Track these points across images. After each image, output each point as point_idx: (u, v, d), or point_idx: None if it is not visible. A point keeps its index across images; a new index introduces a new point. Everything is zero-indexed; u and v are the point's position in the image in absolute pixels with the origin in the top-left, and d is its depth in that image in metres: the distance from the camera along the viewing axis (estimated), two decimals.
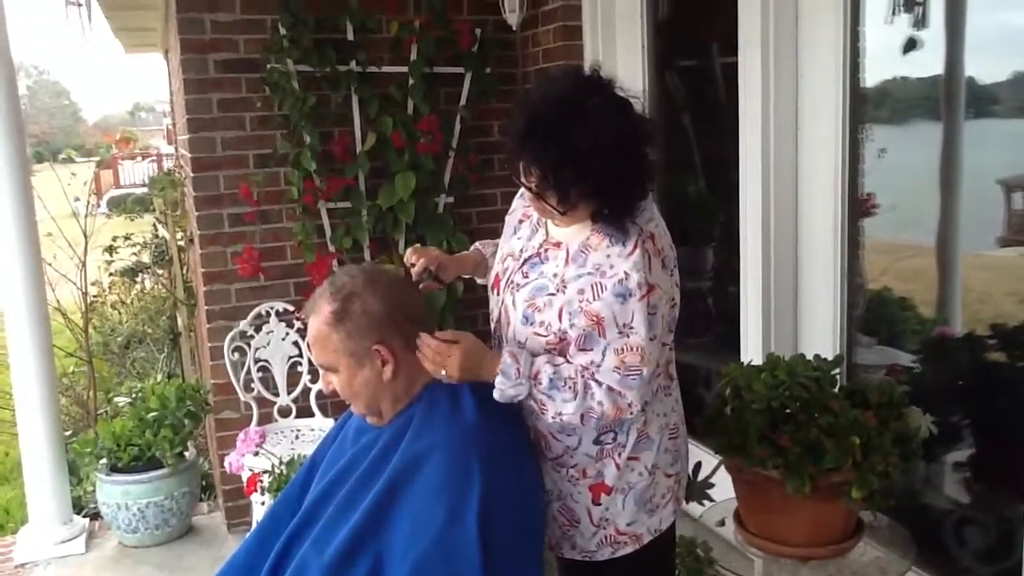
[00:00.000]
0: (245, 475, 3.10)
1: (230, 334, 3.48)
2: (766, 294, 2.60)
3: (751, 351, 2.63)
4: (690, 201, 3.49)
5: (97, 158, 21.15)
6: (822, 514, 1.79)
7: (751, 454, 1.79)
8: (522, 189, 1.93)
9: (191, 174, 3.50)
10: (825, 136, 2.43)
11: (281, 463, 2.92)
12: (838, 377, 1.89)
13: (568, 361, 1.64)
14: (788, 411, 1.82)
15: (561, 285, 1.65)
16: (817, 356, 1.91)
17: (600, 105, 1.56)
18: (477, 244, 2.08)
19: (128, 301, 6.72)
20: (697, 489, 2.00)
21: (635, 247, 1.59)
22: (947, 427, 2.00)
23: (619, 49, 3.36)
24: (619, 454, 1.73)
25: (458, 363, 1.63)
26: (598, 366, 1.60)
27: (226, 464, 3.11)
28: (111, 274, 6.35)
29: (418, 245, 1.84)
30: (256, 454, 3.11)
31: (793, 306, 2.60)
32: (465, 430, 1.58)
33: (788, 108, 2.52)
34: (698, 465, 2.01)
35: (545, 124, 1.54)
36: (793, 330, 2.60)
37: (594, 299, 1.59)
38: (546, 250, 1.73)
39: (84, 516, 3.78)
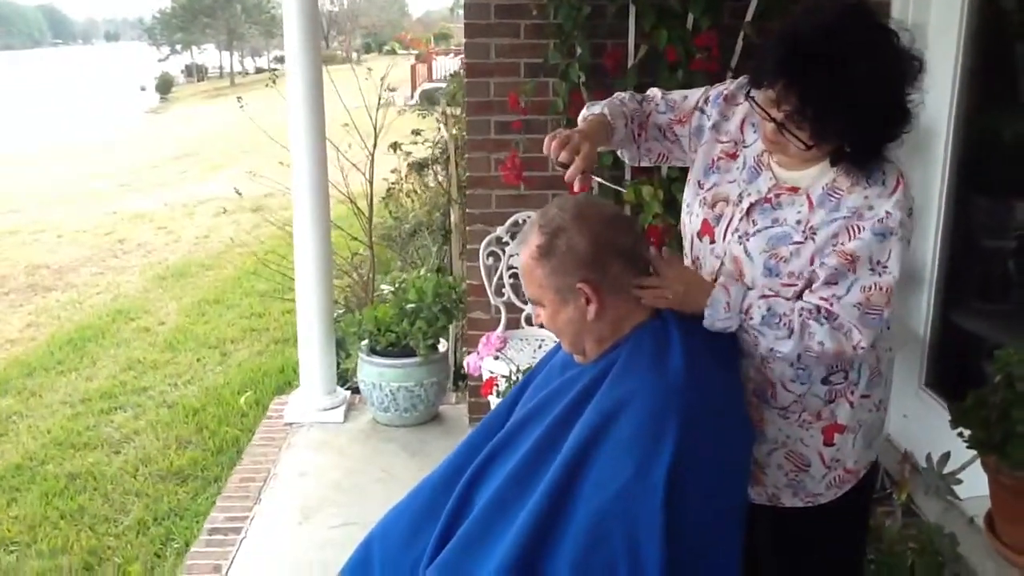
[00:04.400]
0: (485, 376, 3.21)
1: (486, 238, 3.57)
2: None
3: None
4: (1005, 145, 2.99)
5: (416, 51, 22.47)
6: None
7: (1013, 456, 1.54)
8: (720, 120, 1.74)
9: (465, 79, 3.57)
10: None
11: (518, 370, 2.98)
12: None
13: (785, 298, 1.57)
14: None
15: (810, 232, 1.56)
16: None
17: (871, 38, 1.47)
18: (598, 110, 1.89)
19: (420, 192, 7.15)
20: (942, 482, 1.76)
21: (897, 185, 1.54)
22: None
23: None
24: (851, 392, 1.67)
25: (675, 300, 1.58)
26: (839, 299, 1.54)
27: (465, 364, 3.24)
28: (409, 164, 6.76)
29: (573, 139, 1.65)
30: (496, 358, 3.21)
31: None
32: (668, 383, 1.48)
33: None
34: (946, 455, 1.76)
35: (815, 53, 1.46)
36: None
37: (850, 240, 1.53)
38: (778, 196, 1.61)
39: (347, 389, 4.15)
